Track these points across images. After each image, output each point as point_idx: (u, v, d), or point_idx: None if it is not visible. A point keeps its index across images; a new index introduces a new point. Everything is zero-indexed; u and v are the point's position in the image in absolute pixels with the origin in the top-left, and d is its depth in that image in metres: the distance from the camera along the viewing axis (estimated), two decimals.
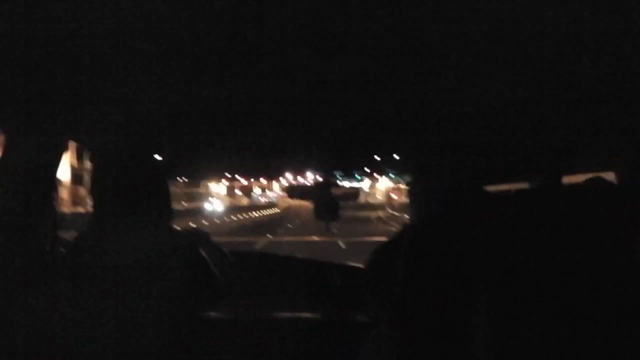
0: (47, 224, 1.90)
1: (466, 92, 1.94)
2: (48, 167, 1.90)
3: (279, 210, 48.87)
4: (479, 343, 1.34)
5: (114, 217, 1.69)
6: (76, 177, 24.90)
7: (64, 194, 23.55)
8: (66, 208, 21.83)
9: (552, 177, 2.11)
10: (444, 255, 1.46)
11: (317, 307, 2.30)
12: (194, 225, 16.16)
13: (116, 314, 1.57)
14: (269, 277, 2.60)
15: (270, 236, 20.31)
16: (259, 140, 2.90)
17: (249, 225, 29.14)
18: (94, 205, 1.73)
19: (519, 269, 1.32)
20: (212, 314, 1.94)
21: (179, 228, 1.87)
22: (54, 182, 1.96)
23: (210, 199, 47.65)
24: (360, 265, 2.81)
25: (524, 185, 2.24)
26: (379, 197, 53.83)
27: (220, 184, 54.21)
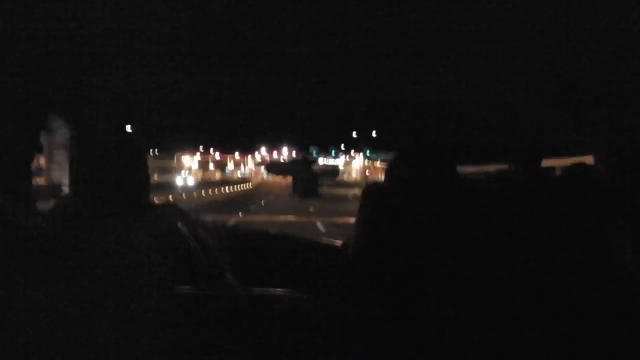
0: (22, 197, 1.91)
1: (446, 75, 1.95)
2: (27, 141, 1.90)
3: (252, 187, 48.91)
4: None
5: (92, 193, 1.70)
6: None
7: None
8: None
9: (532, 160, 2.13)
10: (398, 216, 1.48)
11: (295, 285, 2.33)
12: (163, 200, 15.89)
13: (93, 291, 1.58)
14: (250, 254, 2.63)
15: (242, 215, 18.97)
16: (234, 116, 2.88)
17: (221, 200, 28.56)
18: (72, 182, 1.74)
19: (486, 250, 1.33)
20: (191, 289, 1.95)
21: (157, 203, 1.88)
22: (32, 155, 1.96)
23: (181, 172, 47.28)
24: (336, 243, 2.83)
25: (502, 167, 2.26)
26: (354, 174, 54.07)
27: (194, 157, 53.91)
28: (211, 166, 66.40)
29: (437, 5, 1.38)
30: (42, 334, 1.54)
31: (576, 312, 1.25)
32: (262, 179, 59.48)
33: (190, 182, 41.59)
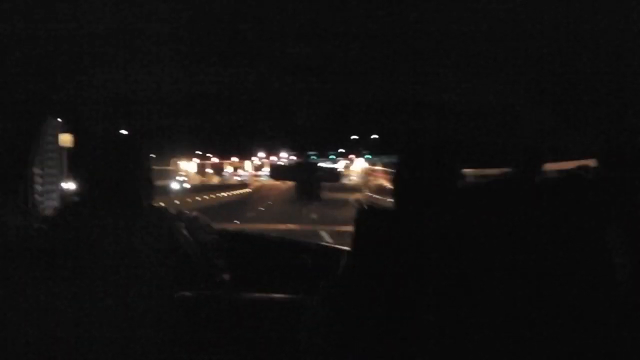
0: (21, 199, 1.92)
1: (446, 76, 1.96)
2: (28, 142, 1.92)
3: (250, 190, 48.68)
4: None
5: (93, 195, 1.72)
6: None
7: None
8: None
9: (532, 162, 2.14)
10: (396, 240, 1.46)
11: (290, 287, 2.33)
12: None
13: (91, 292, 1.59)
14: (245, 256, 2.64)
15: (238, 223, 17.44)
16: (231, 120, 2.90)
17: (216, 206, 27.75)
18: (77, 185, 1.76)
19: (492, 258, 1.34)
20: (188, 292, 1.96)
21: (157, 206, 1.89)
22: (32, 156, 1.98)
23: (177, 177, 47.01)
24: (332, 245, 2.84)
25: (502, 171, 2.27)
26: (354, 178, 53.95)
27: (192, 162, 53.75)
28: (209, 170, 66.18)
29: (437, 5, 1.39)
30: (42, 334, 1.55)
31: (577, 313, 1.26)
32: (261, 183, 59.34)
33: (186, 186, 41.21)
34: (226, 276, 2.08)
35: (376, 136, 4.12)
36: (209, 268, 1.94)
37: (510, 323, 1.29)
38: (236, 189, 46.06)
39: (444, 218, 1.43)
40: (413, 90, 2.14)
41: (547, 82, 1.95)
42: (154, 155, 1.95)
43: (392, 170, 1.85)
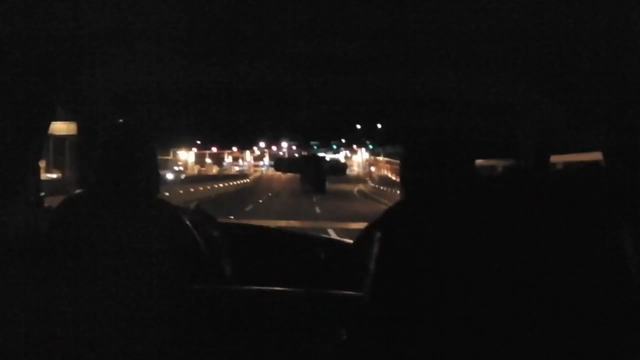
0: (29, 194, 1.93)
1: (453, 67, 1.96)
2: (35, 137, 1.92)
3: (249, 180, 48.69)
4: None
5: (102, 188, 1.73)
6: None
7: None
8: None
9: (540, 156, 2.14)
10: (419, 240, 1.45)
11: (302, 281, 2.35)
12: None
13: (102, 285, 1.60)
14: (255, 248, 2.66)
15: (234, 219, 15.45)
16: (232, 110, 2.91)
17: (212, 198, 26.43)
18: (82, 177, 1.76)
19: (502, 254, 1.34)
20: (196, 285, 1.97)
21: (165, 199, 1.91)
22: (38, 154, 1.98)
23: (175, 167, 46.75)
24: (345, 240, 2.85)
25: (510, 162, 2.27)
26: (356, 169, 53.96)
27: (191, 152, 53.75)
28: (208, 160, 66.31)
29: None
30: (44, 331, 1.56)
31: (589, 312, 1.27)
32: (261, 173, 59.50)
33: (181, 176, 40.46)
34: (229, 268, 2.09)
35: (380, 126, 4.13)
36: (215, 261, 1.94)
37: (519, 323, 1.29)
38: (235, 179, 45.95)
39: (456, 212, 1.43)
40: (419, 80, 2.15)
41: (549, 79, 1.95)
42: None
43: (396, 161, 1.84)
